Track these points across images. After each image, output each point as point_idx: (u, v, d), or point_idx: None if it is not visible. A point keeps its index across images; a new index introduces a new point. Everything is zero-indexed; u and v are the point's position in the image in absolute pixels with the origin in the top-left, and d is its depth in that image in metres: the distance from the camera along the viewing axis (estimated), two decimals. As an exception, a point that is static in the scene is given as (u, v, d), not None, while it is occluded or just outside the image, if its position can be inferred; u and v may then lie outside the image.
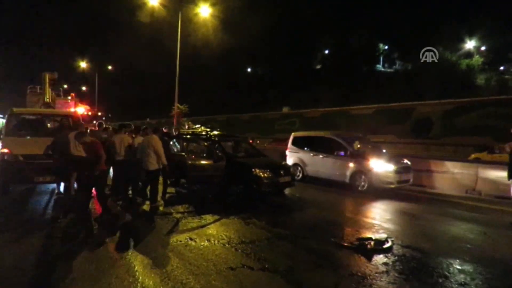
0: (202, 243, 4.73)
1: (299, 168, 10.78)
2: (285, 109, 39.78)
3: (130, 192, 7.37)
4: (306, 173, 10.64)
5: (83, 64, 46.80)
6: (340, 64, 44.87)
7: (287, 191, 8.65)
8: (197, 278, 3.62)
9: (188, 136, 9.78)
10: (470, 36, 33.90)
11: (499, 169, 8.14)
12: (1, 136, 8.05)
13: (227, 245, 4.67)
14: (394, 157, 9.44)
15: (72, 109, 16.07)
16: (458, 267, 4.10)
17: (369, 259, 4.26)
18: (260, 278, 3.70)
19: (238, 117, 43.41)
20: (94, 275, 3.68)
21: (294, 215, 7.00)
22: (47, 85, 13.61)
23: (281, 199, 8.18)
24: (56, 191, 7.49)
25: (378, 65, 49.00)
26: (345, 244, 4.76)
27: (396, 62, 49.19)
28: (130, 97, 59.83)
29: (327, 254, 4.43)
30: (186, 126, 20.22)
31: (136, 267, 3.88)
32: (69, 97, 19.40)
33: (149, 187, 6.97)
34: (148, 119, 50.08)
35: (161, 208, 6.75)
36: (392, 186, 8.57)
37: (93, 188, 5.84)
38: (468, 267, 4.10)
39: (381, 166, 8.67)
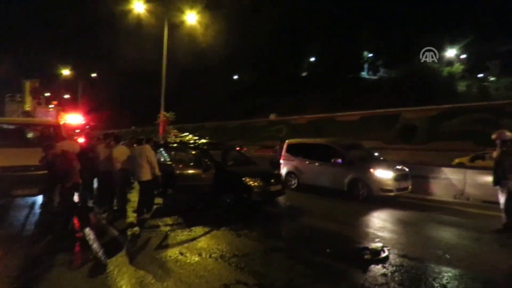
0: (193, 258, 4.50)
1: (294, 176, 10.50)
2: (272, 116, 39.80)
3: (114, 204, 7.07)
4: (302, 182, 10.27)
5: (66, 72, 45.74)
6: (326, 72, 45.44)
7: (281, 200, 8.49)
8: (189, 297, 3.40)
9: (176, 145, 9.53)
10: (451, 44, 34.90)
11: (485, 174, 8.19)
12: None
13: (219, 260, 4.45)
14: (393, 164, 9.19)
15: (66, 120, 15.60)
16: (458, 275, 4.02)
17: (367, 270, 4.13)
18: (256, 295, 3.51)
19: (226, 125, 43.19)
20: (77, 297, 3.42)
21: (287, 225, 6.87)
22: (27, 93, 13.16)
23: (273, 208, 8.01)
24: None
25: (363, 73, 49.81)
26: (342, 255, 4.61)
27: (380, 69, 50.11)
28: (115, 105, 58.84)
29: (324, 267, 4.28)
30: (172, 134, 19.84)
31: (123, 287, 3.63)
32: (51, 106, 18.83)
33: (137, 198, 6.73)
34: (133, 127, 49.26)
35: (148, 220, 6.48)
36: (392, 194, 8.31)
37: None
38: (467, 275, 4.01)
39: (380, 174, 8.42)
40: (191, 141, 9.54)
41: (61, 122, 11.00)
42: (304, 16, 48.40)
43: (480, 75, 36.70)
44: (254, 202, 7.52)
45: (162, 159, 8.91)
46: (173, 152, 8.99)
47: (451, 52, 35.31)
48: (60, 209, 6.24)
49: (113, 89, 57.98)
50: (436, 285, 3.77)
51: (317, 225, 6.53)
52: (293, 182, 10.48)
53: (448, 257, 4.63)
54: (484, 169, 9.06)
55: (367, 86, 43.00)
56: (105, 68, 53.40)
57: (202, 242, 5.23)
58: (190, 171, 8.04)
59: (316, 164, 9.92)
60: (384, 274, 4.00)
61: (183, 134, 11.49)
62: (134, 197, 8.14)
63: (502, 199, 5.88)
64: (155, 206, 7.29)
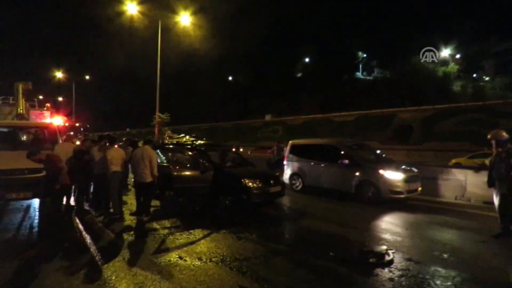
0: (193, 262, 4.38)
1: (299, 178, 10.29)
2: (268, 117, 39.78)
3: (110, 206, 6.93)
4: (307, 183, 10.04)
5: (59, 74, 45.32)
6: (320, 72, 45.54)
7: (284, 202, 8.39)
8: (190, 303, 3.29)
9: (173, 146, 9.40)
10: (446, 44, 35.13)
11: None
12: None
13: (220, 264, 4.34)
14: (402, 165, 8.90)
15: (48, 120, 15.34)
16: (465, 279, 3.94)
17: (373, 274, 4.03)
18: (259, 301, 3.41)
19: (221, 126, 43.07)
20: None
21: (288, 227, 6.75)
22: (21, 95, 12.94)
23: (274, 210, 7.89)
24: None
25: (357, 73, 50.00)
26: (345, 259, 4.52)
27: (374, 70, 50.34)
28: (109, 107, 58.48)
29: (327, 271, 4.17)
30: (166, 135, 19.64)
31: (122, 294, 3.51)
32: (45, 108, 18.58)
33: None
34: (128, 129, 48.94)
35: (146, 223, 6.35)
36: (402, 196, 8.08)
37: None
38: (474, 280, 3.94)
39: (389, 175, 8.15)
40: (188, 142, 9.38)
41: (56, 124, 10.82)
42: (299, 17, 48.55)
43: (475, 75, 36.95)
44: (253, 204, 7.42)
45: (159, 161, 8.77)
46: (170, 154, 8.85)
47: (446, 52, 35.54)
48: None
49: (107, 91, 57.65)
50: None
51: (320, 227, 6.38)
52: (297, 184, 10.28)
53: (455, 260, 4.53)
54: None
55: (362, 86, 43.14)
56: (100, 71, 53.04)
57: (202, 246, 5.11)
58: (188, 173, 7.91)
59: (322, 165, 9.68)
60: (390, 279, 3.89)
61: (180, 135, 11.31)
62: (130, 199, 8.02)
63: (496, 201, 5.74)
64: (152, 209, 7.16)
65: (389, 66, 40.67)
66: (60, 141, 7.95)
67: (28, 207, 7.57)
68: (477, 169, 8.04)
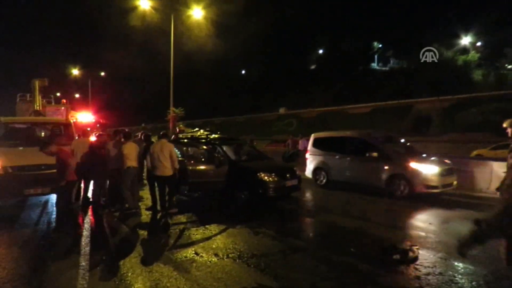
0: (209, 259, 4.28)
1: (323, 172, 9.89)
2: (282, 110, 39.48)
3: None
4: (331, 178, 9.63)
5: (75, 71, 46.10)
6: (334, 64, 44.81)
7: (307, 197, 8.15)
8: (208, 302, 3.18)
9: (187, 140, 9.32)
10: (466, 31, 33.87)
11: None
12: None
13: (237, 260, 4.22)
14: (436, 158, 8.44)
15: (77, 118, 15.64)
16: (498, 278, 3.70)
17: (398, 272, 3.84)
18: (279, 300, 3.27)
19: (235, 119, 43.01)
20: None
21: (308, 222, 6.56)
22: (37, 92, 13.11)
23: (292, 205, 7.71)
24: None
25: (373, 64, 48.89)
26: (367, 255, 4.33)
27: (390, 60, 49.08)
28: (125, 103, 59.24)
29: (349, 268, 3.99)
30: (177, 130, 19.69)
31: (138, 291, 3.44)
32: (61, 105, 18.85)
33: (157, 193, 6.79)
34: (143, 124, 49.47)
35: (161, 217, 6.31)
36: (437, 190, 7.63)
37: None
38: (508, 277, 3.70)
39: (424, 169, 7.68)
40: (203, 136, 9.28)
41: (72, 121, 10.92)
42: (312, 7, 47.71)
43: (497, 64, 35.55)
44: (269, 198, 7.27)
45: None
46: (184, 148, 8.78)
47: (466, 40, 34.27)
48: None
49: (122, 87, 58.37)
50: None
51: (343, 223, 6.12)
52: (321, 178, 9.92)
53: (484, 257, 4.23)
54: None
55: (378, 77, 42.18)
56: (115, 67, 53.67)
57: (218, 241, 5.00)
58: (203, 167, 7.81)
59: (348, 158, 9.25)
60: (417, 277, 3.68)
61: (194, 130, 11.25)
62: (146, 194, 8.00)
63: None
64: (167, 204, 7.11)
65: (406, 56, 39.49)
66: (77, 137, 7.98)
67: (46, 202, 7.63)
68: None
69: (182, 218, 6.39)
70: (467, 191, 8.50)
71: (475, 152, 17.62)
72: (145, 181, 9.14)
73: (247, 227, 5.63)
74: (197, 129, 10.96)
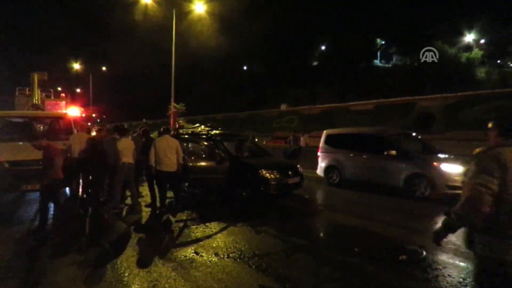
0: (209, 258, 4.14)
1: (336, 170, 9.57)
2: (283, 106, 39.20)
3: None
4: (345, 177, 9.31)
5: (76, 66, 45.92)
6: (337, 60, 44.48)
7: (317, 196, 8.03)
8: (208, 305, 3.04)
9: (188, 136, 9.17)
10: (469, 29, 33.49)
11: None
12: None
13: (238, 260, 4.08)
14: (457, 157, 8.08)
15: (63, 111, 15.41)
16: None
17: (405, 274, 3.69)
18: (282, 303, 3.13)
19: (236, 116, 42.78)
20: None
21: (313, 222, 6.37)
22: (36, 85, 12.95)
23: (293, 202, 7.57)
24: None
25: (375, 60, 48.53)
26: (373, 256, 4.18)
27: (393, 57, 48.68)
28: (126, 98, 59.07)
29: (354, 269, 3.86)
30: (177, 125, 19.54)
31: (135, 292, 3.30)
32: (61, 99, 18.72)
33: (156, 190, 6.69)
34: (144, 120, 49.30)
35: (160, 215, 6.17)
36: (460, 191, 7.45)
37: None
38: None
39: (446, 168, 7.30)
40: (204, 132, 9.13)
41: (71, 115, 10.77)
42: (314, 3, 47.31)
43: (501, 61, 35.21)
44: (271, 196, 7.13)
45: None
46: (185, 144, 8.63)
47: (469, 37, 33.92)
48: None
49: (123, 82, 58.15)
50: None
51: (351, 223, 5.93)
52: (334, 177, 9.62)
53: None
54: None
55: (381, 74, 41.85)
56: (116, 62, 53.43)
57: (219, 240, 4.87)
58: (204, 164, 7.67)
59: (364, 156, 8.93)
60: (426, 279, 3.55)
61: (195, 125, 11.09)
62: (146, 190, 7.86)
63: None
64: (167, 201, 6.97)
65: (409, 53, 39.14)
66: (75, 132, 7.84)
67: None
68: None
69: (182, 215, 6.27)
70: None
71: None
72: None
73: (248, 226, 5.50)
74: (197, 124, 10.80)
